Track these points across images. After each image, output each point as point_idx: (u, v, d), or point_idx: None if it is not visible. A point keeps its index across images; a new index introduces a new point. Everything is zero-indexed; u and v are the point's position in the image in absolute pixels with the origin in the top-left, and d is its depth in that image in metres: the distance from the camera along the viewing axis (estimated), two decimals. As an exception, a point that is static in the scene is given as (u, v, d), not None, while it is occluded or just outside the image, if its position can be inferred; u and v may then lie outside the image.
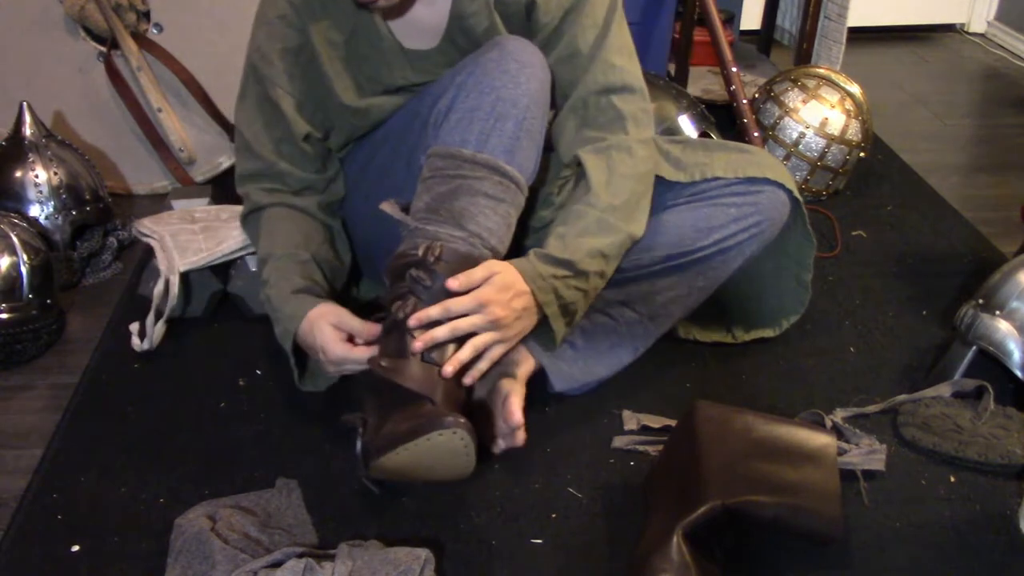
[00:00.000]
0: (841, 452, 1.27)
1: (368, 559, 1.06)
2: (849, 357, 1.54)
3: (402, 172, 1.39)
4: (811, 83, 2.07)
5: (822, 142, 2.02)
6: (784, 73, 2.19)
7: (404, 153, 1.39)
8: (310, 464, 1.29)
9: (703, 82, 2.59)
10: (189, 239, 1.57)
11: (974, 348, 1.42)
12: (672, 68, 2.57)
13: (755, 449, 1.15)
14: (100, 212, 1.85)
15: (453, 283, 1.17)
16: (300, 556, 1.05)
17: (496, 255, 1.24)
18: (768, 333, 1.55)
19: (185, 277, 1.55)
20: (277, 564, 1.05)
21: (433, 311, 1.17)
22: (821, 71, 2.12)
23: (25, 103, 1.80)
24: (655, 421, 1.36)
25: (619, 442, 1.34)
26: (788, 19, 2.75)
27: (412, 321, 1.16)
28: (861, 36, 3.15)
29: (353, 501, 1.23)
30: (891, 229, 1.96)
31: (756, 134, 2.04)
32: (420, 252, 1.19)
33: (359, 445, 1.15)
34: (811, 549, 1.15)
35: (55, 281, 1.63)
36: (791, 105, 2.04)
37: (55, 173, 1.78)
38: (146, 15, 2.04)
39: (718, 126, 2.16)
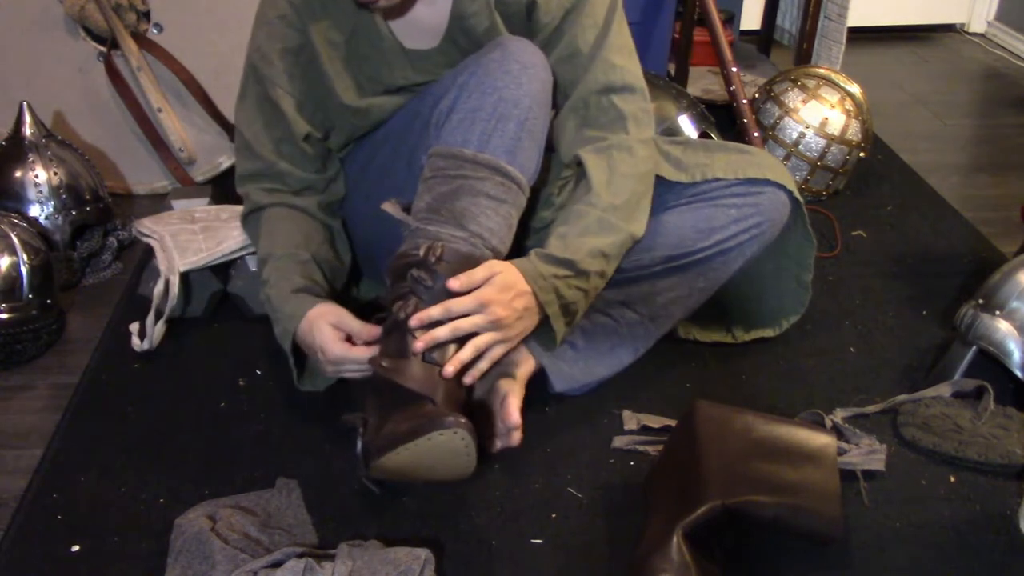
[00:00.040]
0: (841, 452, 1.27)
1: (368, 559, 1.06)
2: (849, 357, 1.54)
3: (403, 172, 1.39)
4: (811, 83, 2.07)
5: (822, 142, 2.02)
6: (784, 73, 2.19)
7: (405, 153, 1.39)
8: (310, 464, 1.29)
9: (703, 82, 2.59)
10: (189, 239, 1.57)
11: (974, 348, 1.42)
12: (672, 68, 2.57)
13: (755, 449, 1.15)
14: (100, 212, 1.85)
15: (454, 283, 1.17)
16: (300, 556, 1.05)
17: (497, 255, 1.24)
18: (768, 333, 1.55)
19: (185, 277, 1.55)
20: (277, 564, 1.05)
21: (434, 311, 1.17)
22: (821, 71, 2.12)
23: (25, 103, 1.80)
24: (655, 421, 1.36)
25: (619, 442, 1.34)
26: (788, 19, 2.75)
27: (413, 321, 1.16)
28: (861, 36, 3.15)
29: (353, 501, 1.23)
30: (891, 229, 1.96)
31: (756, 134, 2.04)
32: (421, 252, 1.19)
33: (359, 445, 1.15)
34: (811, 549, 1.15)
35: (55, 281, 1.63)
36: (791, 105, 2.04)
37: (55, 173, 1.78)
38: (146, 15, 2.04)
39: (718, 126, 2.16)
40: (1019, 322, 1.39)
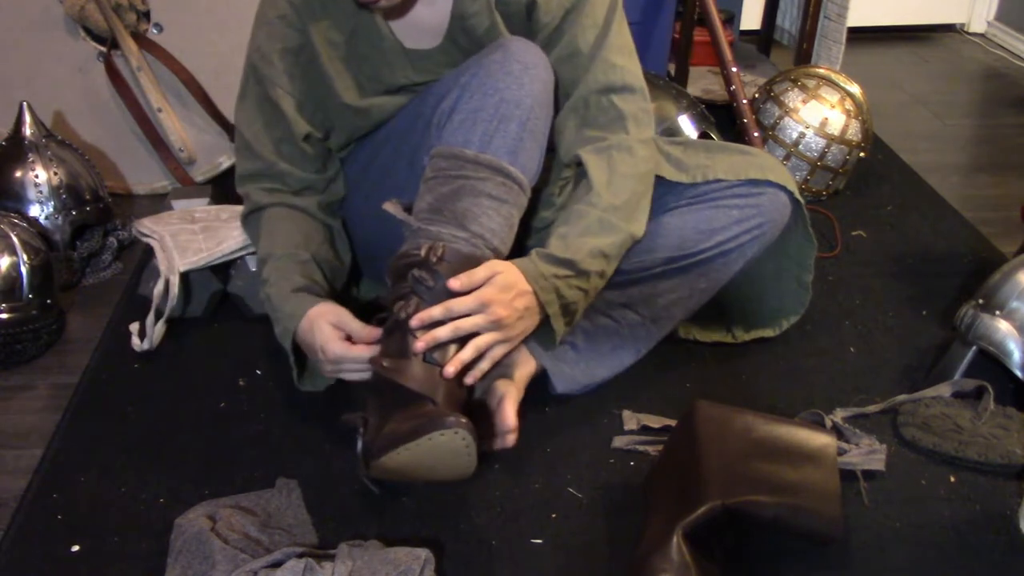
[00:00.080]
0: (841, 452, 1.27)
1: (368, 559, 1.06)
2: (849, 357, 1.54)
3: (404, 172, 1.39)
4: (811, 83, 2.07)
5: (822, 142, 2.02)
6: (784, 73, 2.19)
7: (406, 153, 1.39)
8: (310, 464, 1.29)
9: (703, 82, 2.59)
10: (189, 239, 1.57)
11: (974, 348, 1.42)
12: (672, 68, 2.57)
13: (755, 449, 1.15)
14: (100, 212, 1.85)
15: (455, 283, 1.17)
16: (300, 556, 1.05)
17: (498, 256, 1.24)
18: (768, 333, 1.55)
19: (185, 277, 1.55)
20: (277, 564, 1.05)
21: (435, 311, 1.17)
22: (821, 71, 2.12)
23: (25, 103, 1.80)
24: (655, 421, 1.36)
25: (619, 442, 1.34)
26: (788, 19, 2.75)
27: (414, 321, 1.16)
28: (861, 36, 3.15)
29: (353, 501, 1.23)
30: (891, 229, 1.96)
31: (756, 134, 2.04)
32: (422, 252, 1.19)
33: (360, 444, 1.15)
34: (811, 549, 1.15)
35: (55, 281, 1.63)
36: (791, 105, 2.04)
37: (55, 173, 1.78)
38: (146, 15, 2.04)
39: (718, 126, 2.16)
40: (1019, 322, 1.39)
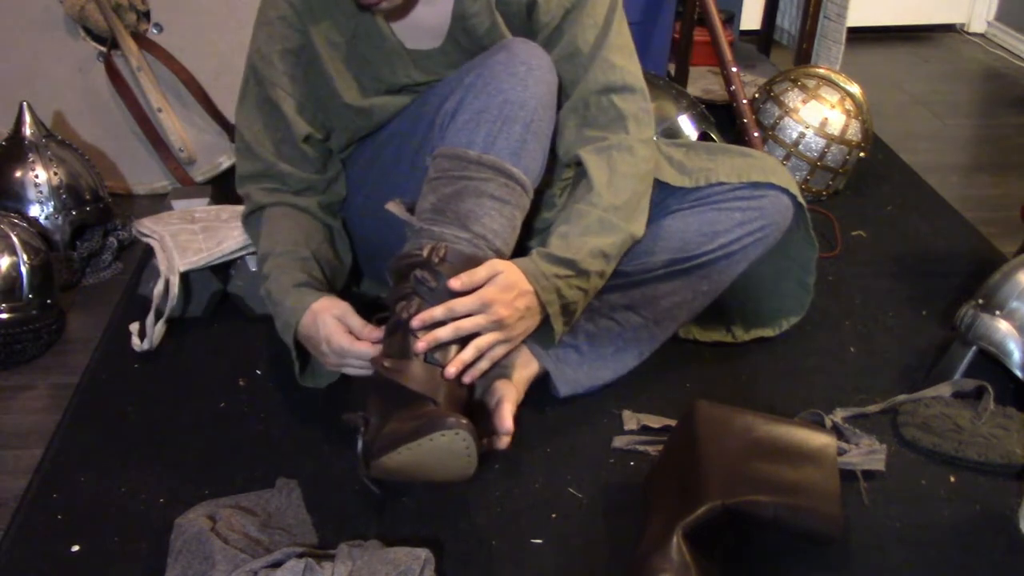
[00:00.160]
0: (841, 452, 1.27)
1: (368, 559, 1.06)
2: (849, 357, 1.54)
3: (406, 173, 1.39)
4: (811, 83, 2.07)
5: (822, 142, 2.02)
6: (784, 73, 2.19)
7: (408, 154, 1.39)
8: (310, 464, 1.29)
9: (703, 82, 2.59)
10: (189, 239, 1.57)
11: (974, 348, 1.42)
12: (672, 68, 2.57)
13: (755, 449, 1.15)
14: (100, 212, 1.85)
15: (455, 283, 1.17)
16: (300, 556, 1.05)
17: (500, 257, 1.24)
18: (768, 333, 1.55)
19: (185, 277, 1.55)
20: (277, 564, 1.05)
21: (436, 312, 1.17)
22: (821, 71, 2.12)
23: (25, 103, 1.80)
24: (655, 421, 1.36)
25: (619, 442, 1.34)
26: (788, 19, 2.75)
27: (415, 322, 1.16)
28: (861, 36, 3.15)
29: (353, 501, 1.23)
30: (891, 229, 1.96)
31: (756, 134, 2.04)
32: (424, 253, 1.18)
33: (360, 444, 1.15)
34: (811, 549, 1.15)
35: (55, 281, 1.63)
36: (791, 105, 2.04)
37: (55, 173, 1.78)
38: (146, 15, 2.04)
39: (718, 126, 2.16)
40: (1019, 322, 1.39)
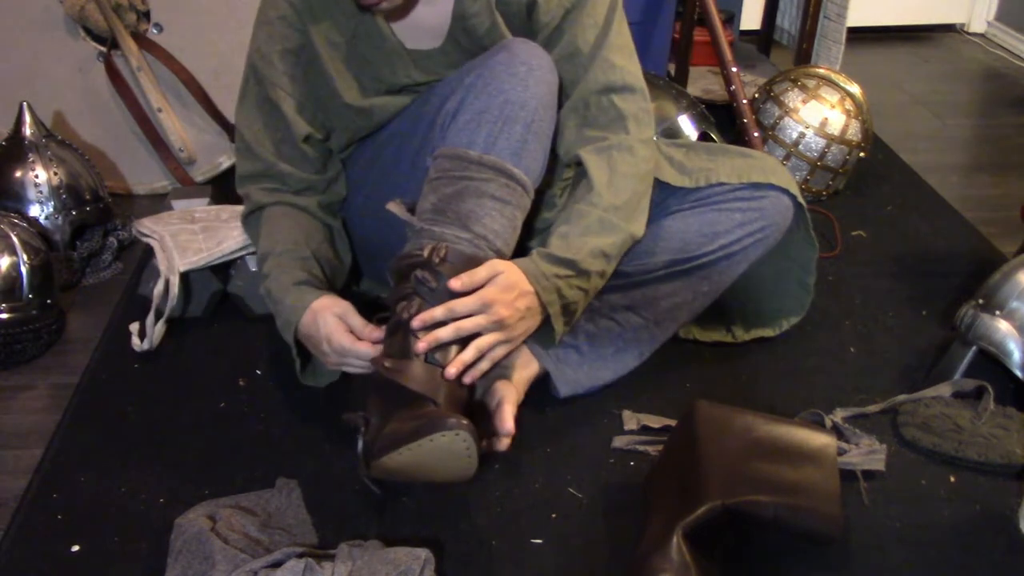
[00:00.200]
0: (841, 452, 1.27)
1: (368, 559, 1.06)
2: (849, 357, 1.54)
3: (406, 173, 1.39)
4: (811, 83, 2.07)
5: (822, 142, 2.02)
6: (784, 73, 2.19)
7: (409, 154, 1.39)
8: (310, 464, 1.29)
9: (703, 82, 2.59)
10: (189, 239, 1.57)
11: (974, 348, 1.42)
12: (672, 68, 2.57)
13: (755, 449, 1.15)
14: (100, 212, 1.85)
15: (455, 283, 1.17)
16: (300, 556, 1.05)
17: (501, 257, 1.24)
18: (768, 333, 1.55)
19: (185, 277, 1.55)
20: (277, 564, 1.05)
21: (437, 312, 1.17)
22: (821, 71, 2.12)
23: (25, 103, 1.80)
24: (655, 421, 1.36)
25: (619, 442, 1.34)
26: (788, 19, 2.75)
27: (416, 322, 1.16)
28: (861, 36, 3.15)
29: (353, 501, 1.23)
30: (891, 229, 1.96)
31: (756, 134, 2.04)
32: (425, 253, 1.18)
33: (360, 444, 1.15)
34: (811, 549, 1.15)
35: (55, 281, 1.63)
36: (791, 105, 2.04)
37: (55, 173, 1.78)
38: (146, 15, 2.04)
39: (718, 126, 2.16)
40: (1019, 322, 1.39)
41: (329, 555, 1.07)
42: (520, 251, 1.31)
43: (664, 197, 1.41)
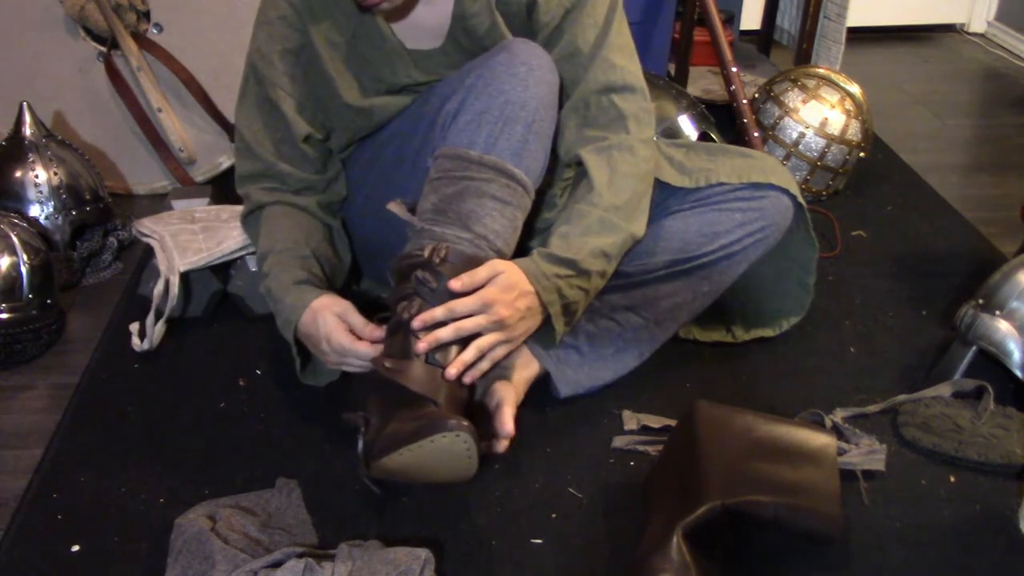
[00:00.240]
0: (841, 452, 1.27)
1: (368, 559, 1.06)
2: (849, 357, 1.54)
3: (406, 173, 1.39)
4: (811, 83, 2.07)
5: (822, 142, 2.02)
6: (784, 73, 2.19)
7: (409, 154, 1.39)
8: (310, 464, 1.29)
9: (703, 82, 2.59)
10: (189, 239, 1.57)
11: (974, 348, 1.42)
12: (672, 68, 2.57)
13: (755, 449, 1.15)
14: (100, 212, 1.85)
15: (455, 283, 1.17)
16: (300, 556, 1.05)
17: (502, 258, 1.23)
18: (768, 333, 1.55)
19: (185, 277, 1.55)
20: (277, 564, 1.05)
21: (437, 312, 1.17)
22: (821, 71, 2.12)
23: (25, 103, 1.80)
24: (655, 421, 1.36)
25: (619, 442, 1.34)
26: (788, 19, 2.75)
27: (416, 322, 1.16)
28: (861, 36, 3.15)
29: (353, 501, 1.23)
30: (891, 229, 1.96)
31: (756, 134, 2.04)
32: (425, 253, 1.18)
33: (361, 445, 1.15)
34: (811, 549, 1.15)
35: (55, 281, 1.63)
36: (791, 105, 2.04)
37: (55, 173, 1.78)
38: (146, 15, 2.04)
39: (718, 126, 2.16)
40: (1019, 322, 1.39)
41: (329, 555, 1.07)
42: (521, 251, 1.31)
43: (664, 197, 1.41)
